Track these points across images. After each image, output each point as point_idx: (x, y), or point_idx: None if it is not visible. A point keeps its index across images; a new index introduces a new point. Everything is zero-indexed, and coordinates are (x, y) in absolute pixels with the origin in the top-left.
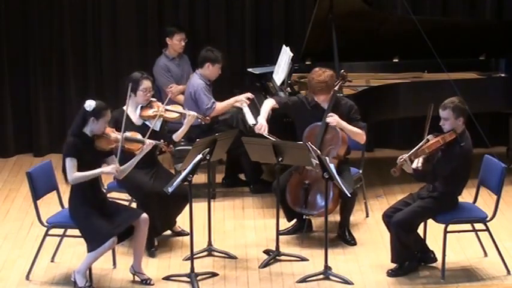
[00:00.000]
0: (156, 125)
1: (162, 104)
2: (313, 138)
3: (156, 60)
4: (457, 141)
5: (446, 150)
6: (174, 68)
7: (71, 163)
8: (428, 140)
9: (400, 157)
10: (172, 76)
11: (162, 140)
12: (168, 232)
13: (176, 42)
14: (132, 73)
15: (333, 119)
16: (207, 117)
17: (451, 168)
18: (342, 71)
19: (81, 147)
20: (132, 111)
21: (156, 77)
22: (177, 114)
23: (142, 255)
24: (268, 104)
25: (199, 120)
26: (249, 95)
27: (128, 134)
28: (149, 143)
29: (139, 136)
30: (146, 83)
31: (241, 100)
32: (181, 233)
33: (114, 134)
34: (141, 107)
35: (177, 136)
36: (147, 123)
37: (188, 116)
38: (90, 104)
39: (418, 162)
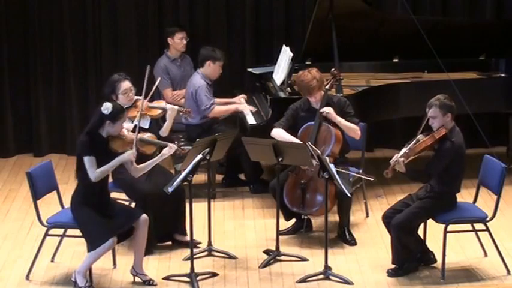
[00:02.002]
0: (144, 122)
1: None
2: (307, 138)
3: (158, 60)
4: (448, 138)
5: (438, 148)
6: (175, 69)
7: (89, 162)
8: (419, 140)
9: (393, 159)
10: (171, 78)
11: (177, 143)
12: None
13: (178, 41)
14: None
15: (327, 108)
16: (188, 109)
17: (444, 165)
18: (333, 69)
19: (94, 146)
20: None
21: (155, 77)
22: (160, 111)
23: (143, 255)
24: (283, 133)
25: (181, 114)
26: (244, 97)
27: (145, 136)
28: (171, 146)
29: (155, 139)
30: (125, 85)
31: (242, 108)
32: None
33: (129, 135)
34: (126, 108)
35: (162, 131)
36: (135, 123)
37: (169, 110)
38: (107, 107)
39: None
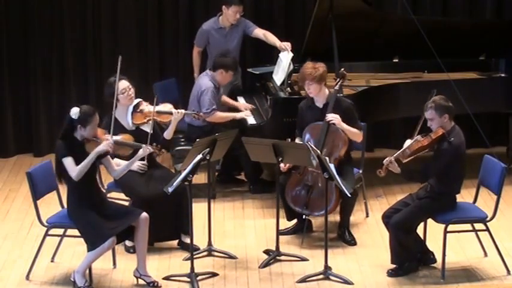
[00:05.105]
0: (148, 126)
1: (151, 105)
2: (316, 134)
3: (206, 21)
4: (446, 139)
5: (436, 148)
6: (218, 36)
7: (68, 161)
8: (417, 140)
9: (387, 159)
10: (208, 43)
11: (154, 144)
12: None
13: (231, 13)
14: (122, 76)
15: (335, 117)
16: (201, 113)
17: (442, 165)
18: (342, 69)
19: (72, 150)
20: (122, 115)
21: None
22: (169, 115)
23: (146, 256)
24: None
25: (193, 118)
26: (248, 107)
27: (119, 137)
28: (146, 149)
29: (130, 140)
30: (122, 84)
31: (241, 116)
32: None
33: (105, 137)
34: (132, 114)
35: (167, 135)
36: (142, 127)
37: (176, 113)
38: (75, 112)
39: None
